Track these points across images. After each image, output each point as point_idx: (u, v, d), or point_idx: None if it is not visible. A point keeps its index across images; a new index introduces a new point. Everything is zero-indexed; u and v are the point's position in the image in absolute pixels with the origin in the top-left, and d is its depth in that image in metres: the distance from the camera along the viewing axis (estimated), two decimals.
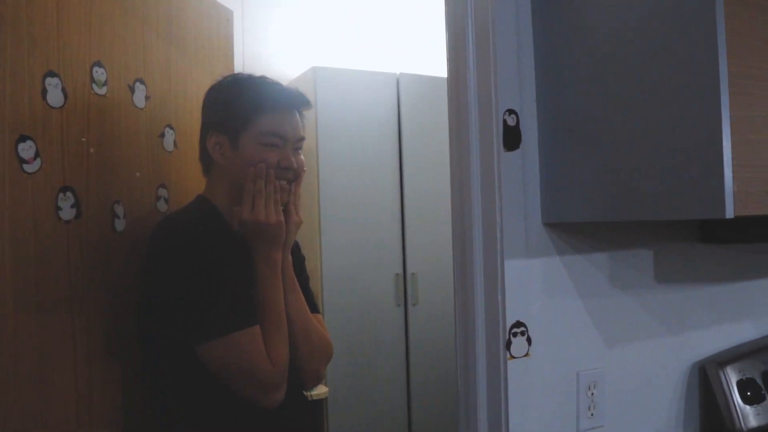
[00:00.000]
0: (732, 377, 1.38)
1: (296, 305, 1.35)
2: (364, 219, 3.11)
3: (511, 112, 1.18)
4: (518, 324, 1.20)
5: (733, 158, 0.88)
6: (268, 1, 3.45)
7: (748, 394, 1.38)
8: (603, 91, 1.09)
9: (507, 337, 1.18)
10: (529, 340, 1.21)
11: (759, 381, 1.40)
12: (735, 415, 1.36)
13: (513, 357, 1.19)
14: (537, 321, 1.22)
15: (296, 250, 1.47)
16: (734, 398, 1.37)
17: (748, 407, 1.37)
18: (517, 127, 1.19)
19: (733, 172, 0.88)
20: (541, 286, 1.23)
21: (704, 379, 1.41)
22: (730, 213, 0.88)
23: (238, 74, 1.41)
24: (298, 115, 1.37)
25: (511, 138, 1.19)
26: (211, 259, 1.22)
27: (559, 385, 1.25)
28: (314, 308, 1.45)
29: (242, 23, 3.24)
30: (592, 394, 1.28)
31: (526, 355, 1.21)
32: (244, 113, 1.30)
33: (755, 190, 0.92)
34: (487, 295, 1.23)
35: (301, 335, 1.34)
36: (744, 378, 1.39)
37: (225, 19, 1.72)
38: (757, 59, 0.94)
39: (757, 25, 0.95)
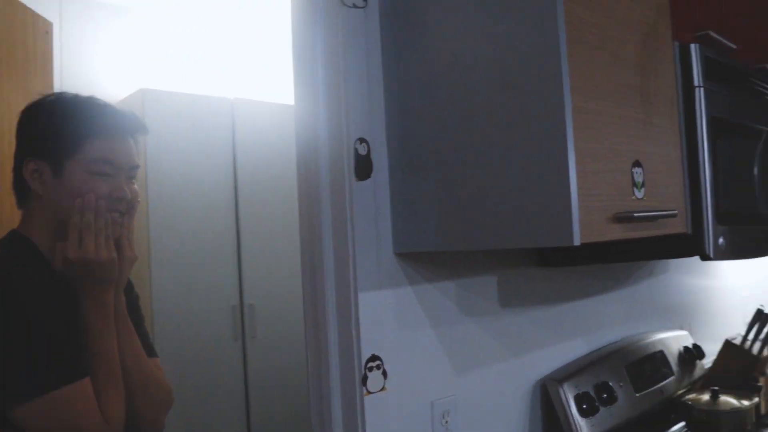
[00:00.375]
0: (569, 392, 1.46)
1: (131, 351, 1.21)
2: (198, 249, 2.95)
3: (362, 140, 1.16)
4: (373, 358, 1.17)
5: (578, 189, 0.92)
6: (90, 14, 3.18)
7: (584, 407, 1.46)
8: (451, 122, 1.10)
9: (363, 372, 1.15)
10: (384, 374, 1.18)
11: (592, 393, 1.50)
12: (573, 428, 1.43)
13: (369, 392, 1.16)
14: (391, 353, 1.20)
15: (129, 289, 1.33)
16: (572, 412, 1.44)
17: (584, 419, 1.45)
18: (368, 156, 1.18)
19: (578, 201, 0.92)
20: (395, 318, 1.21)
21: (546, 396, 1.47)
22: (577, 241, 0.92)
23: (62, 93, 1.25)
24: (132, 141, 1.25)
25: (363, 167, 1.17)
26: (27, 304, 1.06)
27: (415, 417, 1.23)
28: (151, 351, 1.32)
29: (60, 37, 2.95)
30: (446, 422, 1.28)
31: (383, 389, 1.18)
32: (71, 138, 1.16)
33: (596, 218, 0.98)
34: (341, 329, 1.18)
35: (137, 384, 1.20)
36: (580, 392, 1.48)
37: (43, 31, 1.54)
38: (596, 96, 1.00)
39: (597, 65, 1.02)
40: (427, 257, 1.27)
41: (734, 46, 1.43)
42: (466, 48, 1.08)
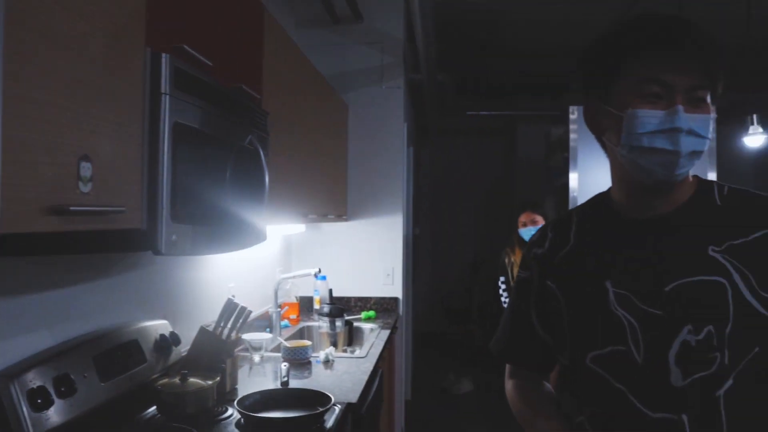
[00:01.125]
0: (22, 388, 1.40)
1: None
2: None
3: None
4: None
5: (2, 178, 0.90)
6: None
7: (39, 401, 1.42)
8: None
9: None
10: None
11: (50, 387, 1.46)
12: (23, 424, 1.37)
13: None
14: None
15: None
16: (22, 408, 1.38)
17: (37, 414, 1.41)
18: None
19: (2, 191, 0.90)
20: None
21: None
22: None
23: None
24: None
25: None
26: None
27: None
28: None
29: None
30: None
31: None
32: None
33: (26, 209, 0.96)
34: None
35: None
36: (35, 386, 1.43)
37: None
38: (42, 85, 0.99)
39: (48, 55, 1.00)
40: None
41: (211, 63, 1.59)
42: None
